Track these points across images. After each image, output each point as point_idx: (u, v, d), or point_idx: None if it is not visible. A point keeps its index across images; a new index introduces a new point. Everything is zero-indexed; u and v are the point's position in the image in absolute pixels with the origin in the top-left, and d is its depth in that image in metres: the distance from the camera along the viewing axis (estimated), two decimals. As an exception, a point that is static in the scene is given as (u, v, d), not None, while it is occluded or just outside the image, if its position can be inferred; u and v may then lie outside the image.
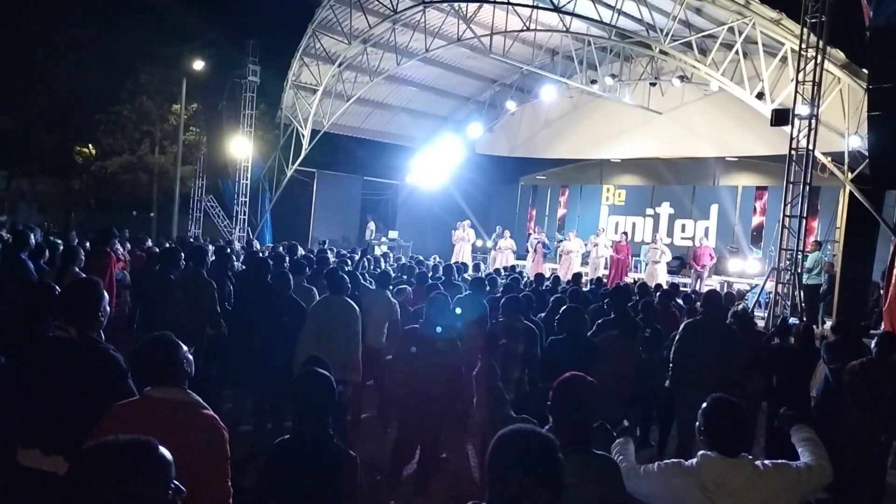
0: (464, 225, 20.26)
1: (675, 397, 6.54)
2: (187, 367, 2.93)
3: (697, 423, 2.98)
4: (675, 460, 2.99)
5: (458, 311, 5.96)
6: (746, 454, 2.90)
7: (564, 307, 6.11)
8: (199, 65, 22.16)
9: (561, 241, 19.33)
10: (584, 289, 11.00)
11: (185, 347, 2.98)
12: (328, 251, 12.54)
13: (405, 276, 9.97)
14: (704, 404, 3.00)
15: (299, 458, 2.97)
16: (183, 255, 7.22)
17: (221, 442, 2.79)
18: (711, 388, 5.82)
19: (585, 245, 18.63)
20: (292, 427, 3.00)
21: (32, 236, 7.44)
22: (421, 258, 14.74)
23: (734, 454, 2.84)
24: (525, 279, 12.82)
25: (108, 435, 2.66)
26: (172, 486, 1.64)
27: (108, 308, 3.51)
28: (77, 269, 6.72)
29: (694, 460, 2.89)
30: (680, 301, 10.46)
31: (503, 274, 12.48)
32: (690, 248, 18.28)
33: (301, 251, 11.92)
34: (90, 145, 27.81)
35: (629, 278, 16.87)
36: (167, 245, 10.27)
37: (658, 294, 9.61)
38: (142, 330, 6.41)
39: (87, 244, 10.24)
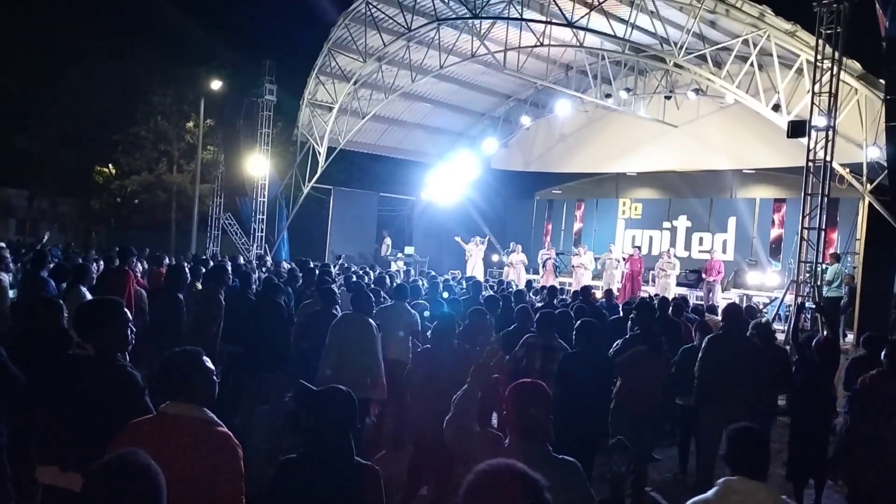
0: (475, 240, 20.12)
1: (698, 412, 6.45)
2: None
3: (722, 453, 3.06)
4: (694, 499, 2.96)
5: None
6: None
7: (580, 321, 6.04)
8: (216, 84, 22.46)
9: (576, 254, 19.26)
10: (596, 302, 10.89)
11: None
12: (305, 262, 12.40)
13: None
14: (727, 433, 3.06)
15: (316, 476, 2.84)
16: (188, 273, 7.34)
17: (235, 459, 2.79)
18: (734, 403, 5.82)
19: (596, 260, 18.61)
20: (305, 444, 2.91)
21: (55, 252, 7.54)
22: (433, 273, 14.63)
23: (758, 478, 2.90)
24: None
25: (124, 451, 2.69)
26: None
27: (132, 328, 3.53)
28: (83, 288, 6.72)
29: (714, 489, 2.91)
30: (691, 314, 10.34)
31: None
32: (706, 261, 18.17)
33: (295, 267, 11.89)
34: (109, 165, 28.25)
35: (643, 292, 16.74)
36: (172, 263, 10.31)
37: (672, 308, 9.50)
38: (155, 348, 6.44)
39: (99, 263, 10.30)
